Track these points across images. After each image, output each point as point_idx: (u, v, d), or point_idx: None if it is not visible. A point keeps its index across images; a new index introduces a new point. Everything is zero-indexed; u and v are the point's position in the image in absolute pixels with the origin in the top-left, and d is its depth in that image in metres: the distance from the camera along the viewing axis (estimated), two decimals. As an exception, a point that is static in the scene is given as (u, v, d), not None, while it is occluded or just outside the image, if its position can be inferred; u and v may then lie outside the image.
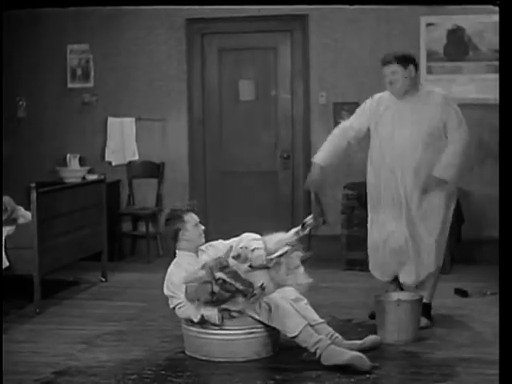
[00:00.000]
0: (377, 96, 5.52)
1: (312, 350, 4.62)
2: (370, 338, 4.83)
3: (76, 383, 4.52)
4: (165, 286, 4.96)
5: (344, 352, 4.55)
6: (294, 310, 4.71)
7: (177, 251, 5.12)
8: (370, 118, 5.45)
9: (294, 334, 4.65)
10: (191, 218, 5.07)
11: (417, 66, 5.37)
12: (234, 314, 4.74)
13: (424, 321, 5.36)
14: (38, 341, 5.35)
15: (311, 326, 4.74)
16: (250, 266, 4.80)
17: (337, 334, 4.80)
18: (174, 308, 4.94)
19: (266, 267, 4.85)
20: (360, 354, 4.54)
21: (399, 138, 5.29)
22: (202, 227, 5.11)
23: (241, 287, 4.65)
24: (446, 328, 5.45)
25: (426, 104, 5.30)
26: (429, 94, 5.36)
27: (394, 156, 5.31)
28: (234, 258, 4.84)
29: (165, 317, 5.80)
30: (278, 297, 4.74)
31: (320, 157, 5.48)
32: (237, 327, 4.78)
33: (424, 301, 5.33)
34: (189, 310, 4.80)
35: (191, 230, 5.04)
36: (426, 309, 5.37)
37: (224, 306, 4.74)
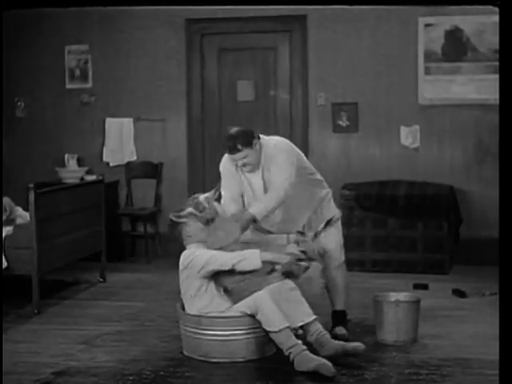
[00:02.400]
0: (227, 161, 5.25)
1: (286, 354, 4.63)
2: (355, 345, 4.74)
3: (75, 383, 4.52)
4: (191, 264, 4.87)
5: (312, 359, 4.54)
6: (281, 311, 4.70)
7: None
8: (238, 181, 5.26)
9: (275, 329, 4.64)
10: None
11: (255, 136, 5.11)
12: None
13: (343, 330, 5.27)
14: (37, 341, 5.35)
15: (301, 327, 4.78)
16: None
17: (325, 332, 4.80)
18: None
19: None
20: (325, 362, 4.51)
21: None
22: None
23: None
24: (445, 328, 5.46)
25: (268, 161, 5.12)
26: (265, 147, 5.15)
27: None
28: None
29: (164, 317, 5.81)
30: (268, 294, 4.75)
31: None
32: (235, 327, 4.78)
33: (338, 308, 5.33)
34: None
35: (192, 225, 4.96)
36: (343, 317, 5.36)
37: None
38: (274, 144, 5.19)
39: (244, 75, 8.19)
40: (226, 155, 5.27)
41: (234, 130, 5.16)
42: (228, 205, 5.16)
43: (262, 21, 7.98)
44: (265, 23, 8.02)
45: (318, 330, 4.79)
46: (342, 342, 4.77)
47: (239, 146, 5.04)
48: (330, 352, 4.71)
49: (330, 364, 4.50)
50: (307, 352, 4.59)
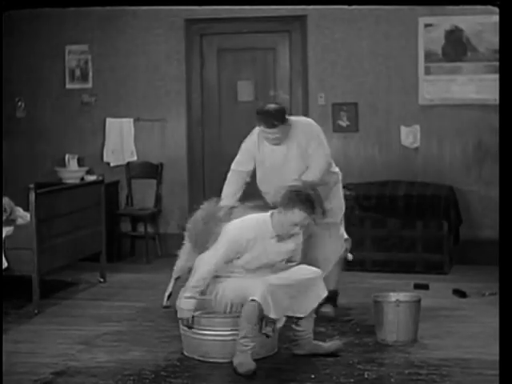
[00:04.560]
0: (255, 135, 5.60)
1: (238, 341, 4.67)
2: (335, 344, 4.94)
3: (75, 383, 4.52)
4: None
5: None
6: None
7: None
8: (256, 155, 5.60)
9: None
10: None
11: (286, 113, 5.50)
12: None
13: (328, 309, 5.64)
14: (37, 341, 5.35)
15: (297, 318, 4.84)
16: None
17: (311, 334, 4.88)
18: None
19: None
20: (242, 361, 4.58)
21: (281, 167, 5.50)
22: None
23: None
24: (445, 328, 5.46)
25: (295, 133, 5.48)
26: (296, 123, 5.52)
27: (280, 181, 5.44)
28: None
29: (163, 317, 5.81)
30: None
31: (228, 202, 5.55)
32: (235, 327, 4.77)
33: (330, 288, 5.52)
34: None
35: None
36: (332, 296, 5.64)
37: None
38: (307, 121, 5.67)
39: (244, 75, 8.19)
40: (256, 131, 5.58)
41: (269, 106, 5.45)
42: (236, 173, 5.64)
43: (261, 21, 7.98)
44: (264, 23, 8.02)
45: (307, 331, 4.87)
46: (324, 344, 4.90)
47: (275, 122, 5.35)
48: (302, 352, 4.88)
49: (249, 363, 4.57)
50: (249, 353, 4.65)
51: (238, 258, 4.80)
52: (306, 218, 4.73)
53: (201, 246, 5.47)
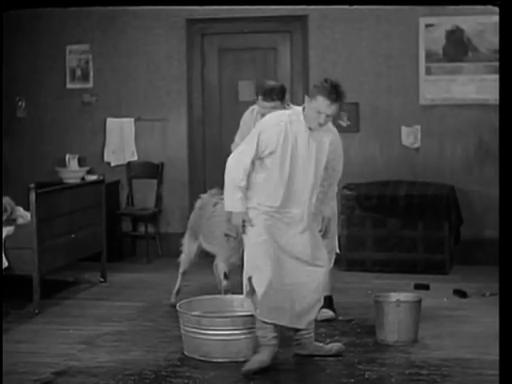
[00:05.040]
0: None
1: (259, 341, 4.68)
2: (337, 346, 4.93)
3: (76, 383, 4.52)
4: None
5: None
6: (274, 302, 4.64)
7: None
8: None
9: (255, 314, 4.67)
10: None
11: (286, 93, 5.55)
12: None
13: (329, 313, 5.62)
14: (38, 341, 5.35)
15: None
16: None
17: (312, 334, 4.87)
18: None
19: None
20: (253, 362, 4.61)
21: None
22: None
23: None
24: (446, 328, 5.46)
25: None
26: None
27: None
28: None
29: (164, 317, 5.81)
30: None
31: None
32: (235, 327, 4.78)
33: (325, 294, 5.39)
34: None
35: None
36: (329, 301, 5.59)
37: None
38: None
39: (245, 75, 8.19)
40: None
41: (273, 82, 5.59)
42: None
43: (262, 21, 7.98)
44: (265, 23, 8.03)
45: (309, 330, 4.86)
46: (325, 346, 4.90)
47: (274, 97, 5.39)
48: (303, 352, 4.87)
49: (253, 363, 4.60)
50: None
51: (270, 153, 4.68)
52: (329, 106, 4.59)
53: (195, 233, 5.99)
